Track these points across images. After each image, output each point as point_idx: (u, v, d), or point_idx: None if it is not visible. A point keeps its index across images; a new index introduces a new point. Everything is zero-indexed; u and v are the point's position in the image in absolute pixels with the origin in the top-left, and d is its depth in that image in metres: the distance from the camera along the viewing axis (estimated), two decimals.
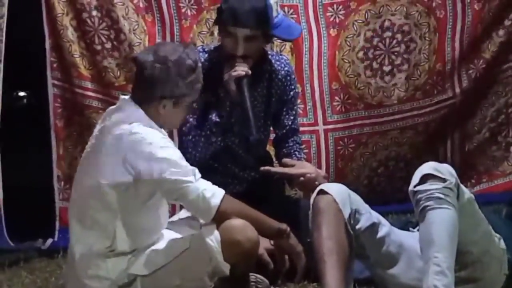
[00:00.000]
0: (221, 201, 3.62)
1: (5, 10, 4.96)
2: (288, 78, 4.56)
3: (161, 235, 3.78)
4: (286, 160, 4.41)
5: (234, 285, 3.75)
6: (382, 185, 5.72)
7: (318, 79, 5.51)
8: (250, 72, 4.19)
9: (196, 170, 3.65)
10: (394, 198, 5.62)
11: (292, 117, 4.57)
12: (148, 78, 3.72)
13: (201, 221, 3.75)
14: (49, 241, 5.24)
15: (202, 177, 3.68)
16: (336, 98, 5.53)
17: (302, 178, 4.24)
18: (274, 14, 4.36)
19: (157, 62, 3.72)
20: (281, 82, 4.54)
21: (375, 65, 5.55)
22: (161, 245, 3.72)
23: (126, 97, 3.83)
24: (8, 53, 5.22)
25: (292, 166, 4.33)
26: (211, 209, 3.62)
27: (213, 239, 3.61)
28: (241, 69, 4.20)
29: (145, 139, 3.62)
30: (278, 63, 4.53)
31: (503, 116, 5.86)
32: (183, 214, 3.99)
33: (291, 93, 4.57)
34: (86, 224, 3.70)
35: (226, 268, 3.63)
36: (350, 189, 3.72)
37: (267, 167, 4.33)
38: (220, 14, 4.27)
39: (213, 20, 5.08)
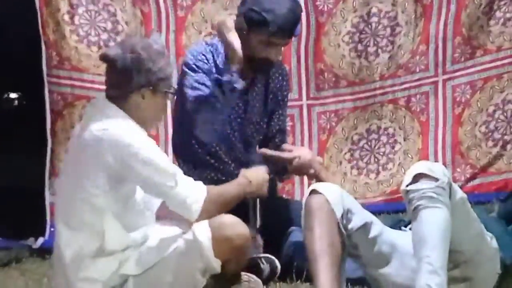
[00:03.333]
0: (203, 204, 3.64)
1: None
2: (285, 78, 4.68)
3: (152, 230, 3.76)
4: (285, 145, 4.51)
5: (226, 284, 3.78)
6: (365, 160, 5.85)
7: (305, 60, 5.70)
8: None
9: (178, 173, 3.66)
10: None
11: (282, 118, 4.66)
12: (122, 70, 3.68)
13: None
14: (40, 240, 5.23)
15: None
16: (320, 77, 5.74)
17: (297, 160, 4.28)
18: None
19: (127, 52, 3.69)
20: (278, 81, 4.62)
21: (360, 47, 5.75)
22: (152, 242, 3.71)
23: (102, 96, 3.81)
24: None
25: (290, 151, 4.38)
26: (192, 215, 3.65)
27: (204, 235, 3.63)
28: None
29: (125, 141, 3.60)
30: (276, 62, 4.59)
31: (500, 112, 5.90)
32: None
33: (285, 93, 4.67)
34: (74, 225, 3.67)
35: (217, 264, 3.66)
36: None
37: (264, 149, 4.38)
38: (262, 24, 4.29)
39: (209, 9, 5.47)
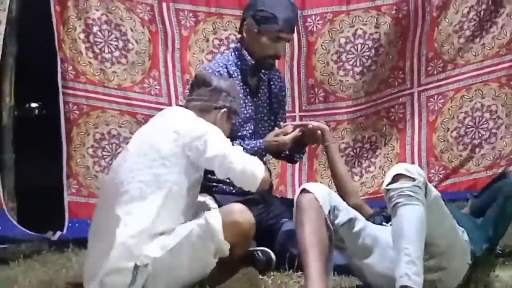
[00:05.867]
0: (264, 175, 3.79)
1: (2, 28, 4.97)
2: (282, 81, 4.78)
3: None
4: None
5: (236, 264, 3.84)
6: (350, 164, 5.84)
7: (297, 75, 5.74)
8: None
9: (241, 152, 3.82)
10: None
11: (284, 116, 4.76)
12: (216, 89, 3.98)
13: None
14: (58, 233, 5.25)
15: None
16: (311, 91, 5.78)
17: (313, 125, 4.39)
18: None
19: (222, 79, 4.09)
20: (277, 83, 4.70)
21: (347, 66, 5.75)
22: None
23: (182, 108, 4.03)
24: (20, 70, 5.25)
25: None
26: (255, 185, 3.80)
27: (215, 220, 3.67)
28: None
29: (199, 131, 3.76)
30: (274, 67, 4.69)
31: (469, 119, 5.91)
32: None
33: (283, 93, 4.77)
34: (133, 199, 3.69)
35: (226, 246, 3.68)
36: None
37: (291, 122, 4.53)
38: (272, 21, 4.40)
39: (210, 30, 5.49)
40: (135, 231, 3.64)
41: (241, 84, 4.47)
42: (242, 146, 4.10)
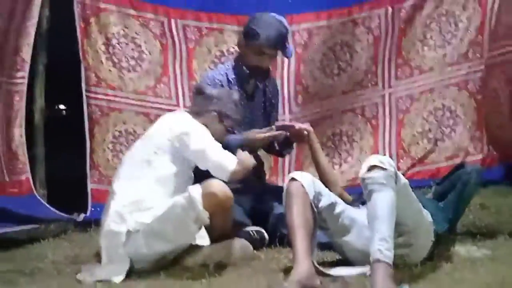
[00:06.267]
0: (235, 166, 3.82)
1: (31, 39, 4.95)
2: (276, 87, 4.75)
3: None
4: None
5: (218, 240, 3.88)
6: (330, 155, 5.85)
7: (287, 83, 5.72)
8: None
9: (219, 146, 3.85)
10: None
11: (276, 118, 4.75)
12: (208, 96, 4.04)
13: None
14: (82, 215, 5.24)
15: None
16: (299, 96, 5.77)
17: (299, 126, 4.38)
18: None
19: (215, 87, 4.18)
20: (272, 89, 4.68)
21: (327, 70, 5.77)
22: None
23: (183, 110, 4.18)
24: (49, 76, 5.25)
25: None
26: (227, 175, 3.81)
27: (196, 192, 3.70)
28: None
29: (186, 129, 3.84)
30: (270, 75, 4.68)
31: (432, 117, 5.90)
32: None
33: (277, 98, 4.77)
34: (131, 176, 3.82)
35: (205, 215, 3.71)
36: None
37: (279, 122, 4.53)
38: (255, 38, 4.36)
39: (212, 42, 5.53)
40: (127, 201, 3.75)
41: (239, 89, 4.45)
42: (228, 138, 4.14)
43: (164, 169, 3.81)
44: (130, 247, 3.72)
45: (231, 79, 4.47)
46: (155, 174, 3.80)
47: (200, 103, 4.06)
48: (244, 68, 4.46)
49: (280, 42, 4.38)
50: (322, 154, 4.47)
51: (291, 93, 5.74)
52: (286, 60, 5.61)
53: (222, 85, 4.41)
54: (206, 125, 3.94)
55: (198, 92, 4.12)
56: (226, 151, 3.85)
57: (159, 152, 3.82)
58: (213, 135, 3.92)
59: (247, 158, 3.93)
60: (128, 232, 3.72)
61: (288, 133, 4.35)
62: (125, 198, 3.76)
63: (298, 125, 4.39)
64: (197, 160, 3.85)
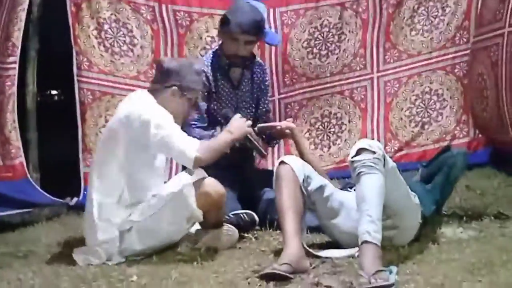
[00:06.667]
0: (196, 154, 3.67)
1: (22, 25, 4.93)
2: (265, 71, 4.70)
3: (160, 189, 3.80)
4: (282, 122, 4.57)
5: (210, 229, 3.86)
6: (320, 137, 5.88)
7: (275, 64, 5.72)
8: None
9: (179, 132, 3.71)
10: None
11: (267, 102, 4.72)
12: (166, 70, 3.83)
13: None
14: (75, 199, 5.26)
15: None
16: (287, 75, 5.78)
17: (281, 126, 4.38)
18: (266, 26, 4.55)
19: (174, 60, 3.92)
20: (260, 75, 4.65)
21: (315, 50, 5.76)
22: (153, 198, 3.76)
23: (144, 90, 3.93)
24: (41, 61, 5.25)
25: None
26: (191, 162, 3.69)
27: (190, 191, 3.67)
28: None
29: (145, 115, 3.67)
30: (257, 59, 4.66)
31: (420, 100, 5.94)
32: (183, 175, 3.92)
33: (266, 83, 4.71)
34: (102, 176, 3.73)
35: (199, 213, 3.71)
36: None
37: (261, 124, 4.42)
38: (227, 24, 4.33)
39: (203, 28, 5.49)
40: (108, 212, 3.71)
41: (223, 78, 4.46)
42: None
43: (128, 159, 3.71)
44: (123, 244, 3.73)
45: (216, 68, 4.45)
46: (117, 165, 3.72)
47: (159, 79, 3.87)
48: (224, 57, 4.44)
49: (253, 28, 4.33)
50: (308, 148, 4.52)
51: (279, 73, 5.74)
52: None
53: (207, 76, 4.39)
54: (166, 102, 3.79)
55: (157, 67, 3.94)
56: (190, 137, 3.75)
57: (118, 138, 3.71)
58: (175, 111, 3.80)
59: (239, 126, 3.90)
60: (120, 232, 3.72)
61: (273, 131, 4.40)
62: (104, 208, 3.72)
63: (279, 125, 4.40)
64: (159, 150, 3.74)
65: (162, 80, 3.85)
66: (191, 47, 5.57)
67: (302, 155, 4.32)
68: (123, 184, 3.72)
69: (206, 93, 4.35)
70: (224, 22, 4.36)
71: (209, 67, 4.44)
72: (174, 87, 3.83)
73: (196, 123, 4.36)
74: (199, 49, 5.57)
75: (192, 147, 3.68)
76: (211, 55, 4.52)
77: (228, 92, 4.47)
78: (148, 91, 3.89)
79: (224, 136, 3.84)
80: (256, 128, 4.30)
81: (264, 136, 4.50)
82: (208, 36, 5.59)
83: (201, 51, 5.55)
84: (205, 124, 4.39)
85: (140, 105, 3.74)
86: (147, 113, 3.68)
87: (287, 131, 4.39)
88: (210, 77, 4.43)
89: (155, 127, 3.65)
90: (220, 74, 4.46)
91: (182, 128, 3.81)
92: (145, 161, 3.75)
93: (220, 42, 4.56)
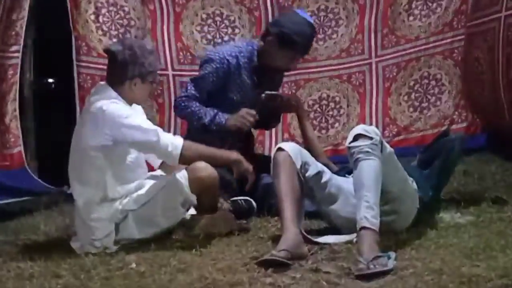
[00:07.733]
0: (181, 150, 3.69)
1: (25, 13, 4.91)
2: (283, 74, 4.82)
3: (145, 182, 3.83)
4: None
5: (205, 213, 3.85)
6: (318, 119, 5.86)
7: None
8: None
9: (158, 130, 3.71)
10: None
11: None
12: (122, 63, 3.75)
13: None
14: None
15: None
16: None
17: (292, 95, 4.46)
18: None
19: (126, 49, 3.76)
20: (279, 81, 4.79)
21: None
22: (145, 187, 3.79)
23: (103, 82, 3.87)
24: (38, 49, 5.23)
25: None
26: (174, 159, 3.72)
27: (182, 177, 3.71)
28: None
29: (116, 113, 3.66)
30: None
31: (418, 85, 5.93)
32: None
33: (280, 84, 4.88)
34: (83, 181, 3.75)
35: (193, 198, 3.74)
36: None
37: (269, 92, 4.39)
38: (290, 43, 4.29)
39: (198, 6, 5.50)
40: (96, 211, 3.74)
41: (249, 75, 4.45)
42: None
43: (105, 159, 3.72)
44: (121, 234, 3.77)
45: (241, 63, 4.43)
46: (98, 166, 3.72)
47: (117, 72, 3.78)
48: (260, 62, 4.42)
49: (309, 50, 4.45)
50: (310, 126, 4.51)
51: None
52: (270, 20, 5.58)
53: (229, 67, 4.38)
54: (130, 93, 3.78)
55: (111, 59, 3.82)
56: (169, 135, 3.79)
57: (93, 146, 3.70)
58: (141, 98, 3.85)
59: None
60: (116, 224, 3.76)
61: (279, 102, 4.38)
62: (88, 199, 3.75)
63: (287, 95, 4.42)
64: (141, 150, 3.79)
65: (121, 73, 3.78)
66: (187, 25, 5.55)
67: (304, 134, 4.38)
68: (104, 184, 3.74)
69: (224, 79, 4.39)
70: (289, 42, 4.29)
71: (235, 60, 4.42)
72: (135, 78, 3.79)
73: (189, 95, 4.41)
74: (194, 26, 5.55)
75: (176, 143, 3.73)
76: (250, 50, 4.47)
77: (245, 90, 4.46)
78: (107, 83, 3.82)
79: (221, 154, 3.89)
80: (263, 96, 4.32)
81: (268, 109, 4.48)
82: (204, 13, 5.56)
83: (197, 26, 5.53)
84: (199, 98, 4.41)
85: (106, 106, 3.70)
86: (116, 118, 3.67)
87: (294, 102, 4.38)
88: (236, 67, 4.42)
89: (130, 127, 3.67)
90: (246, 70, 4.45)
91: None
92: (121, 156, 3.77)
93: (261, 44, 4.49)
